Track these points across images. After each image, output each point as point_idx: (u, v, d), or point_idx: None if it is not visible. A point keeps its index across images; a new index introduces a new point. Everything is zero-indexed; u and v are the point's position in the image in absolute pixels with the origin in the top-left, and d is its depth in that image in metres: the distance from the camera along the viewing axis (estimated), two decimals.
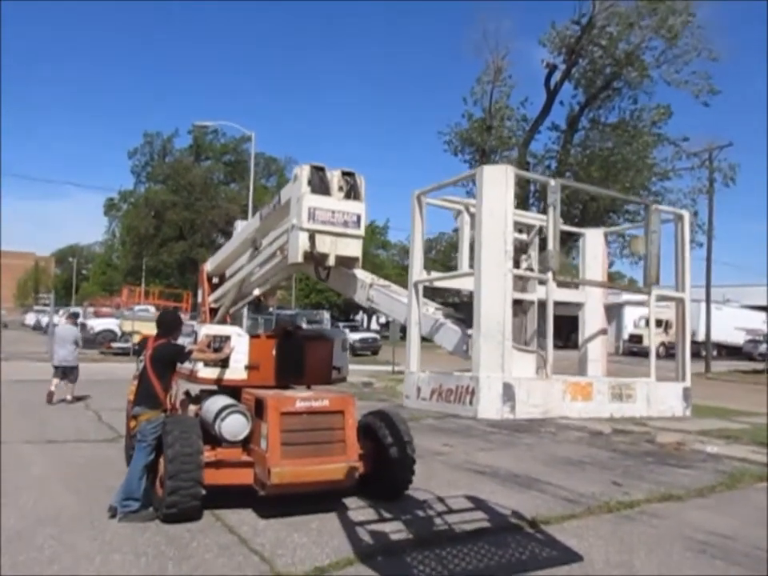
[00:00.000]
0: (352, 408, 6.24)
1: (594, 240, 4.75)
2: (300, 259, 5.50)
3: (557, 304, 3.78)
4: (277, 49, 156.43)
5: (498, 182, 3.39)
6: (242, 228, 7.35)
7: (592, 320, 4.68)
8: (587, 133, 21.00)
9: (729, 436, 11.46)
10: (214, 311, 7.86)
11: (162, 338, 6.16)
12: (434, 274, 4.15)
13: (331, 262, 5.61)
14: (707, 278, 29.99)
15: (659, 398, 3.97)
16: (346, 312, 54.43)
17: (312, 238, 5.42)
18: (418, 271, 4.02)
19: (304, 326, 31.98)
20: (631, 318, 43.82)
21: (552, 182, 3.51)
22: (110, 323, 28.33)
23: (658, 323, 43.22)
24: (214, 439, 6.15)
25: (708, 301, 30.42)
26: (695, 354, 37.51)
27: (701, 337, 33.60)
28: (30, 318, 48.72)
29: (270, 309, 45.56)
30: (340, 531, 5.74)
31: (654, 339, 4.15)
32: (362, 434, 6.95)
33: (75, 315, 19.23)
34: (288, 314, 41.67)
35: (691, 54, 19.73)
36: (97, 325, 28.99)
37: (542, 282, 3.70)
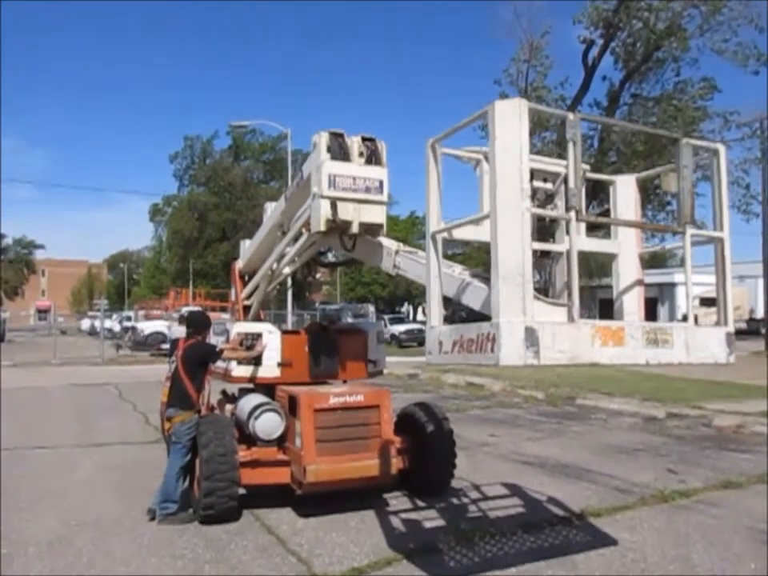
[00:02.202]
0: (387, 402, 6.06)
1: (625, 187, 4.43)
2: (323, 228, 5.39)
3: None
4: (307, 45, 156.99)
5: (511, 116, 3.16)
6: (269, 214, 7.24)
7: (627, 271, 4.36)
8: (630, 108, 20.17)
9: None
10: (248, 309, 7.80)
11: (191, 338, 6.10)
12: (451, 223, 3.87)
13: (355, 229, 5.49)
14: (764, 253, 28.62)
15: (699, 343, 3.63)
16: (392, 304, 54.36)
17: (334, 206, 5.31)
18: (435, 222, 3.79)
19: (349, 319, 32.13)
20: (683, 298, 42.42)
21: (571, 116, 3.27)
22: (160, 326, 28.86)
23: (713, 302, 41.74)
24: (249, 438, 6.07)
25: (766, 276, 29.08)
26: (755, 332, 36.31)
27: (760, 314, 32.30)
28: (85, 324, 50.22)
29: (316, 304, 46.01)
30: (379, 529, 5.58)
31: (690, 287, 3.77)
32: (401, 427, 6.79)
33: None
34: (333, 309, 41.90)
35: (736, 21, 18.76)
36: (147, 327, 29.63)
37: (554, 220, 3.42)
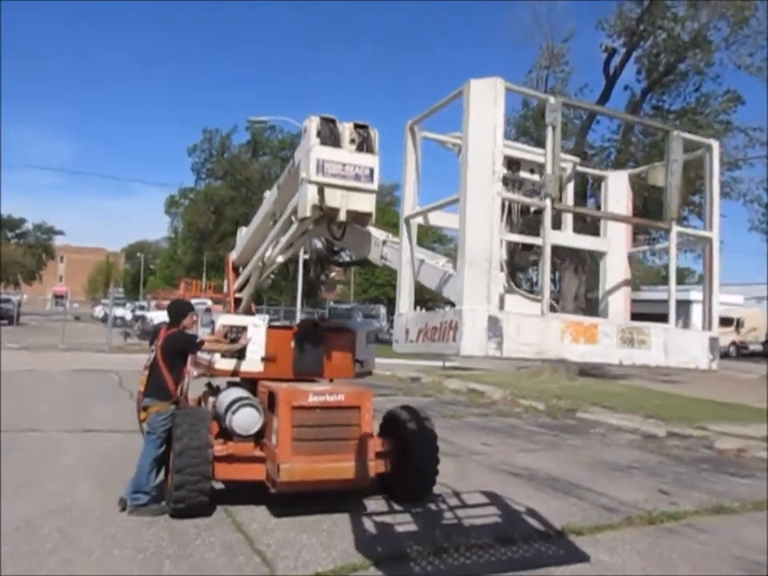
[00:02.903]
0: (369, 403, 5.91)
1: (617, 182, 4.22)
2: (309, 213, 5.30)
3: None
4: (325, 43, 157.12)
5: (485, 95, 2.98)
6: (262, 204, 7.14)
7: (614, 270, 4.14)
8: (650, 119, 19.79)
9: None
10: (239, 301, 7.69)
11: (172, 327, 5.99)
12: (424, 207, 3.70)
13: (342, 216, 5.37)
14: None
15: (680, 346, 3.36)
16: None
17: (321, 192, 5.22)
18: (410, 207, 3.62)
19: (359, 319, 31.96)
20: (699, 315, 41.80)
21: (552, 100, 3.08)
22: None
23: (729, 322, 41.14)
24: (226, 433, 5.95)
25: None
26: (762, 355, 35.57)
27: None
28: (99, 311, 50.67)
29: (326, 303, 45.91)
30: (351, 533, 5.42)
31: (673, 287, 3.54)
32: (385, 430, 6.65)
33: None
34: (344, 308, 41.76)
35: (763, 34, 18.38)
36: (156, 317, 29.65)
37: (539, 212, 3.21)
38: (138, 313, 36.54)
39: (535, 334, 2.97)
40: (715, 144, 3.64)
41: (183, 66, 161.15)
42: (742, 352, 39.67)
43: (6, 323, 32.64)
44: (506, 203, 3.85)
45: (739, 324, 40.50)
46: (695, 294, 45.69)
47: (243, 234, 7.82)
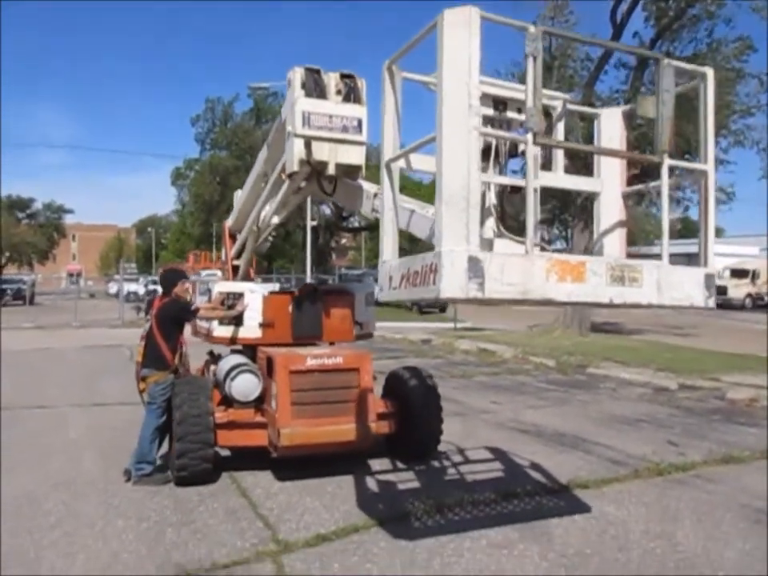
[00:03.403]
0: (368, 365, 5.84)
1: (610, 120, 4.04)
2: (296, 168, 5.20)
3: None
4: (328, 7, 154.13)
5: (460, 25, 2.83)
6: (254, 166, 7.01)
7: (608, 211, 3.98)
8: (681, 92, 19.09)
9: None
10: (237, 269, 7.61)
11: (165, 296, 5.93)
12: (404, 149, 3.55)
13: (331, 170, 5.27)
14: None
15: (673, 284, 3.24)
16: None
17: (308, 145, 5.11)
18: (390, 151, 3.48)
19: (370, 284, 31.90)
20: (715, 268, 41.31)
21: (531, 29, 2.92)
22: None
23: (744, 273, 40.57)
24: (227, 400, 5.93)
25: None
26: None
27: None
28: (112, 287, 50.88)
29: (336, 269, 45.84)
30: (355, 495, 5.41)
31: (666, 223, 3.40)
32: (387, 391, 6.62)
33: None
34: (355, 274, 41.69)
35: None
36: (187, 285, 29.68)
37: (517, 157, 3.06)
38: (151, 287, 36.69)
39: (519, 274, 2.85)
40: (710, 72, 3.45)
41: (185, 36, 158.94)
42: (758, 303, 39.21)
43: (21, 303, 32.86)
44: (493, 145, 3.71)
45: (755, 275, 39.92)
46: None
47: (238, 200, 7.70)
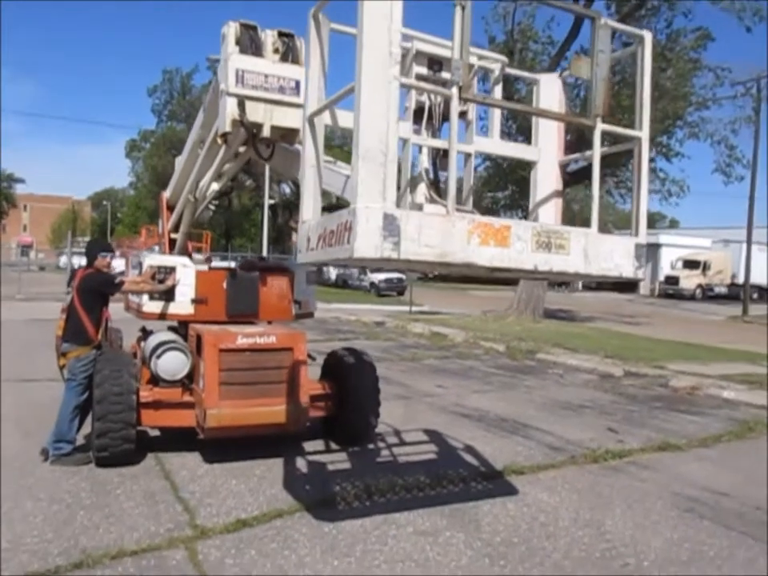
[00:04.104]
0: (303, 345, 5.62)
1: (549, 86, 3.87)
2: (228, 128, 4.96)
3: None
4: None
5: None
6: (190, 132, 6.70)
7: (545, 180, 3.83)
8: (618, 58, 19.15)
9: (753, 381, 10.53)
10: (174, 242, 7.30)
11: (89, 268, 5.60)
12: (325, 102, 3.32)
13: (266, 132, 5.05)
14: (749, 218, 28.23)
15: (602, 253, 3.10)
16: None
17: (242, 105, 4.85)
18: (314, 105, 3.25)
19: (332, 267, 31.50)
20: (668, 259, 42.22)
21: None
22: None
23: (696, 264, 41.54)
24: (155, 378, 5.66)
25: (749, 242, 28.77)
26: (735, 297, 36.33)
27: (741, 279, 32.12)
28: (63, 260, 49.40)
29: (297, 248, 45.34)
30: (284, 478, 5.23)
31: (596, 189, 3.26)
32: (326, 372, 6.43)
33: None
34: None
35: None
36: (119, 265, 28.96)
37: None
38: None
39: (438, 235, 2.66)
40: (647, 36, 3.29)
41: (145, 4, 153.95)
42: (708, 294, 40.27)
43: None
44: (426, 106, 3.51)
45: (706, 267, 40.94)
46: (665, 238, 46.14)
47: (175, 170, 7.35)
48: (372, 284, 35.33)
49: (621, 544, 4.23)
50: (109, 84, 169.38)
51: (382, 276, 34.97)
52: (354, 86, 2.71)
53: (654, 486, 5.42)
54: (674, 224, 77.35)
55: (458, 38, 2.73)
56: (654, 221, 77.29)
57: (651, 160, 20.68)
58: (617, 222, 56.56)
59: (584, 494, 5.14)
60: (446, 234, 2.69)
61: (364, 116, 2.60)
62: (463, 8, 2.73)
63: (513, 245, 2.85)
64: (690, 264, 40.89)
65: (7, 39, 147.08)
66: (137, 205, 56.73)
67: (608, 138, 4.02)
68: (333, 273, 38.64)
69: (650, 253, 43.75)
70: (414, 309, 23.28)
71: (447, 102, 3.05)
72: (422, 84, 3.26)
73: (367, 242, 2.56)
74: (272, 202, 30.67)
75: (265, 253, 29.90)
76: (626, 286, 42.10)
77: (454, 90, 2.75)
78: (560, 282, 35.07)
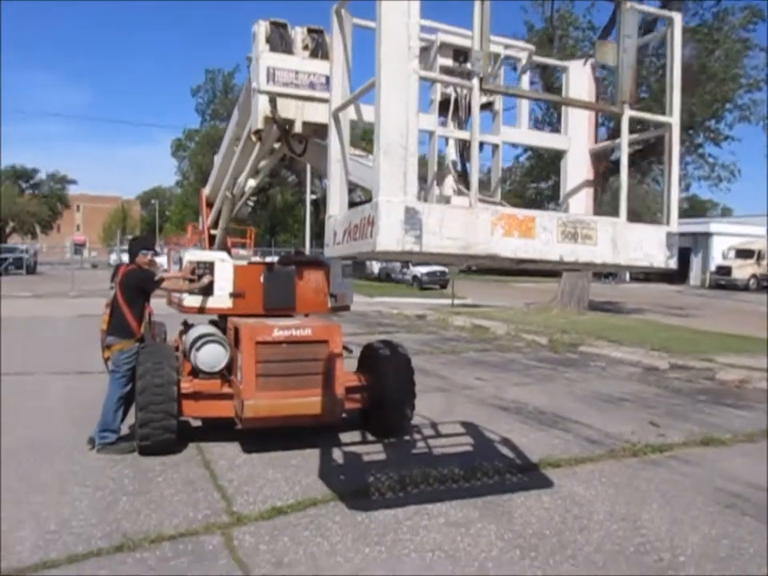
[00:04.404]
0: (338, 338, 5.69)
1: (578, 74, 3.82)
2: (260, 125, 5.04)
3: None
4: None
5: None
6: (227, 130, 6.83)
7: (575, 169, 3.78)
8: (663, 39, 18.57)
9: None
10: (214, 238, 7.46)
11: (131, 264, 5.79)
12: (350, 97, 3.36)
13: (298, 128, 5.11)
14: None
15: (631, 242, 3.06)
16: None
17: (273, 102, 4.93)
18: (338, 101, 3.29)
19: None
20: (720, 248, 40.88)
21: None
22: None
23: (750, 253, 40.10)
24: (195, 370, 5.81)
25: None
26: None
27: None
28: (114, 258, 50.94)
29: None
30: (319, 469, 5.31)
31: (624, 178, 3.19)
32: (362, 365, 6.49)
33: None
34: None
35: None
36: (165, 262, 29.67)
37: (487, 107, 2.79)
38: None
39: (461, 228, 2.67)
40: (677, 17, 3.22)
41: (186, 6, 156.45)
42: (762, 284, 38.86)
43: (22, 272, 32.90)
44: (452, 98, 3.51)
45: (760, 256, 39.50)
46: (716, 227, 44.67)
47: (213, 168, 7.51)
48: (414, 277, 35.30)
49: (656, 539, 4.16)
50: (154, 85, 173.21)
51: (424, 269, 34.90)
52: (375, 81, 2.73)
53: (695, 480, 5.30)
54: (726, 212, 74.70)
55: (478, 29, 2.73)
56: (704, 209, 74.81)
57: (699, 146, 20.11)
58: (663, 209, 55.21)
59: (621, 488, 5.07)
60: (469, 226, 2.70)
61: (384, 111, 2.63)
62: (482, 0, 2.72)
63: (538, 236, 2.84)
64: (744, 253, 39.50)
65: (56, 45, 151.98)
66: (183, 203, 57.88)
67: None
68: (376, 266, 38.76)
69: (700, 242, 42.48)
70: (457, 302, 23.18)
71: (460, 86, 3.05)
72: (442, 77, 3.27)
73: (389, 236, 2.59)
74: (314, 197, 30.93)
75: (308, 247, 30.15)
76: (676, 277, 41.01)
77: (475, 82, 2.75)
78: (593, 272, 34.42)
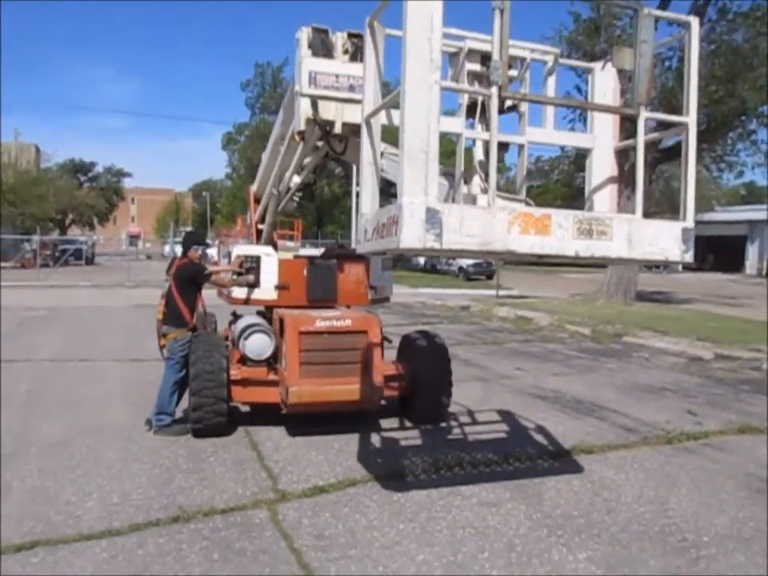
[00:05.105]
0: (377, 328, 5.96)
1: (603, 75, 3.97)
2: (303, 127, 5.35)
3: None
4: None
5: None
6: (273, 130, 7.16)
7: (600, 166, 3.94)
8: (713, 25, 18.20)
9: None
10: (261, 233, 7.81)
11: (183, 258, 6.17)
12: (380, 104, 3.61)
13: (338, 129, 5.39)
14: None
15: (646, 237, 3.21)
16: None
17: (314, 104, 5.23)
18: (370, 107, 3.56)
19: None
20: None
21: None
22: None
23: None
24: (243, 358, 6.17)
25: None
26: None
27: None
28: (167, 250, 52.51)
29: None
30: (359, 452, 5.60)
31: (640, 176, 3.34)
32: (401, 354, 6.75)
33: None
34: None
35: None
36: (214, 254, 30.47)
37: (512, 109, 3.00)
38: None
39: (479, 226, 2.90)
40: (694, 21, 3.35)
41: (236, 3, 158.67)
42: None
43: (81, 263, 34.27)
44: (479, 100, 3.71)
45: None
46: None
47: (261, 165, 7.84)
48: (460, 268, 35.37)
49: (682, 520, 4.31)
50: (205, 80, 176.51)
51: (470, 260, 34.90)
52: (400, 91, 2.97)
53: (727, 467, 5.39)
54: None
55: (497, 39, 2.94)
56: (763, 195, 72.08)
57: (752, 132, 19.59)
58: (720, 198, 53.45)
59: (651, 473, 5.21)
60: (487, 224, 2.92)
61: (408, 119, 2.87)
62: (501, 11, 2.93)
63: (554, 232, 3.03)
64: None
65: (112, 41, 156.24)
66: (234, 195, 59.13)
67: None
68: (421, 258, 38.91)
69: (757, 230, 41.13)
70: (502, 293, 23.21)
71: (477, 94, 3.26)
72: (463, 86, 3.48)
73: (412, 234, 2.83)
74: (359, 189, 31.29)
75: (354, 239, 30.52)
76: (731, 265, 39.89)
77: (494, 90, 2.96)
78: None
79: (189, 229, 36.58)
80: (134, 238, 68.07)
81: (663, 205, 32.50)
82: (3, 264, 30.38)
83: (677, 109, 3.74)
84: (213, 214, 79.58)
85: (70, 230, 63.88)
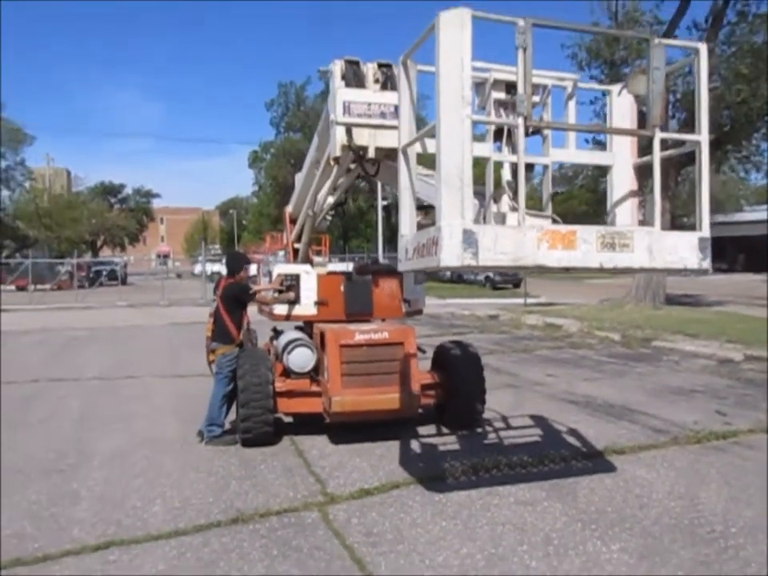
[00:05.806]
0: (412, 339, 6.28)
1: (621, 97, 4.27)
2: (338, 153, 5.71)
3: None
4: None
5: (453, 25, 3.23)
6: (308, 154, 7.55)
7: (620, 182, 4.23)
8: (732, 28, 18.28)
9: None
10: (298, 251, 8.20)
11: (230, 277, 6.57)
12: (416, 135, 3.98)
13: (371, 153, 5.76)
14: None
15: (666, 248, 3.49)
16: None
17: (349, 132, 5.60)
18: (406, 137, 3.92)
19: None
20: None
21: (521, 22, 3.25)
22: (254, 269, 30.18)
23: None
24: (287, 371, 6.53)
25: None
26: None
27: None
28: (197, 268, 53.48)
29: None
30: (400, 457, 5.91)
31: (657, 192, 3.64)
32: (436, 363, 7.05)
33: None
34: None
35: None
36: (253, 270, 31.05)
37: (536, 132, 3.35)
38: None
39: (511, 244, 3.23)
40: (703, 47, 3.65)
41: (259, 21, 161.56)
42: None
43: (115, 283, 35.21)
44: (506, 126, 4.04)
45: None
46: None
47: (296, 188, 8.25)
48: (487, 278, 35.49)
49: (711, 514, 4.53)
50: (229, 100, 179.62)
51: None
52: (435, 125, 3.32)
53: (756, 464, 5.58)
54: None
55: (522, 75, 3.27)
56: None
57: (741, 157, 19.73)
58: (749, 197, 52.73)
59: (682, 471, 5.42)
60: (518, 242, 3.25)
61: (443, 149, 3.22)
62: (524, 50, 3.26)
63: (579, 247, 3.35)
64: None
65: (136, 65, 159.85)
66: (260, 212, 60.29)
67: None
68: None
69: None
70: (530, 300, 23.38)
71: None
72: (491, 119, 3.82)
73: (451, 253, 3.17)
74: (385, 202, 31.77)
75: (380, 252, 30.95)
76: (763, 265, 39.35)
77: (520, 121, 3.30)
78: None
79: (217, 246, 37.54)
80: (164, 258, 69.51)
81: (690, 207, 32.35)
82: (40, 286, 31.34)
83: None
84: (240, 231, 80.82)
85: (102, 252, 65.48)
